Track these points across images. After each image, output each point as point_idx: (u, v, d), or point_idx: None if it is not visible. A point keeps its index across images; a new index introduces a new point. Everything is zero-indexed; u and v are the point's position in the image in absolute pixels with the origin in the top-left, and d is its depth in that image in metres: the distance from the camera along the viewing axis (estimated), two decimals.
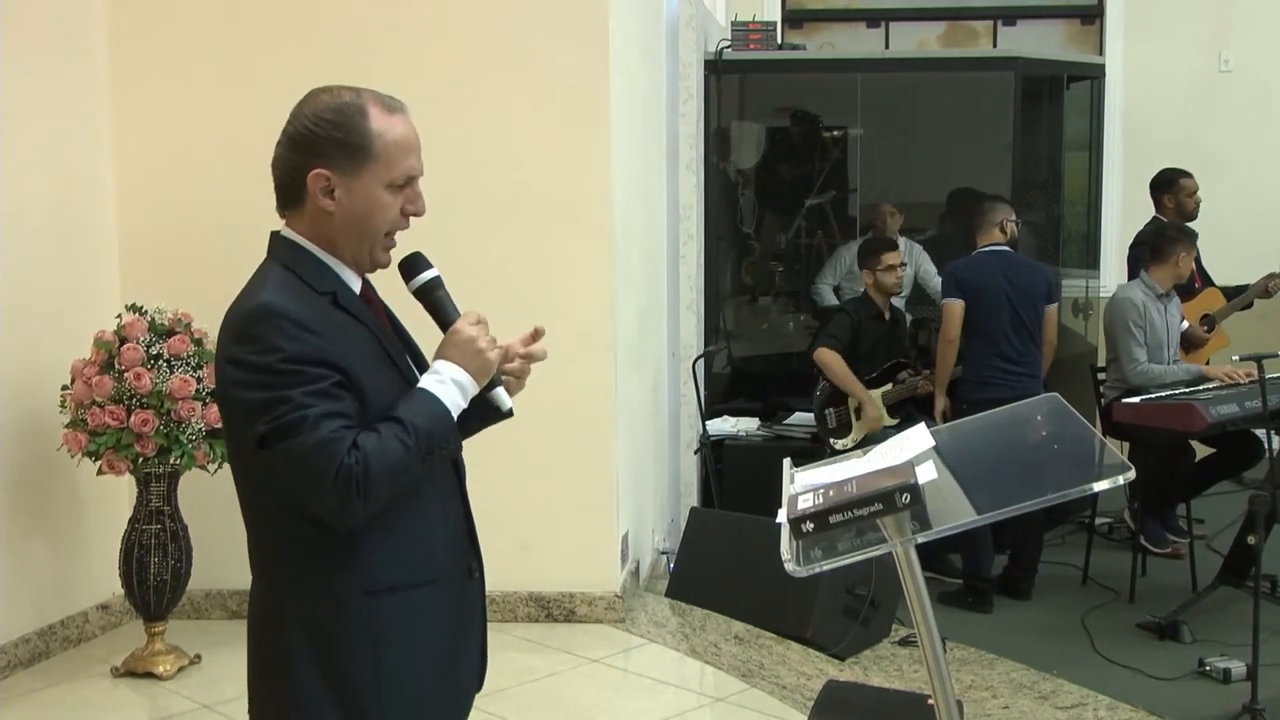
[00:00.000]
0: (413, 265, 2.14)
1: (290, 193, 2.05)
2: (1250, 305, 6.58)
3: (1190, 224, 6.37)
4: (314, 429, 1.89)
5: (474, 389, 2.06)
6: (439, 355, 2.08)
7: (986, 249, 5.83)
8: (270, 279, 2.02)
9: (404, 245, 2.14)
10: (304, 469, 1.91)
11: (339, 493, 1.90)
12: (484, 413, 2.14)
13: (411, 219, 2.09)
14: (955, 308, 5.77)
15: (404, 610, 2.03)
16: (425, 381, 2.04)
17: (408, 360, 2.14)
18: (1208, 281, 6.64)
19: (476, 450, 2.23)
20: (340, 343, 1.98)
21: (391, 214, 2.05)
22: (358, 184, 2.01)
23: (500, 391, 2.13)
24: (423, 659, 2.06)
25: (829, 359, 5.96)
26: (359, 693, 2.02)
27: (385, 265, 2.11)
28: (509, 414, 2.16)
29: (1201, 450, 6.11)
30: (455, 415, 2.03)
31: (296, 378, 1.91)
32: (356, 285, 2.10)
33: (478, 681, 2.25)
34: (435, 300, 2.14)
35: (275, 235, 2.10)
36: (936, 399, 5.91)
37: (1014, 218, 5.93)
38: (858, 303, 6.20)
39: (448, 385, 2.03)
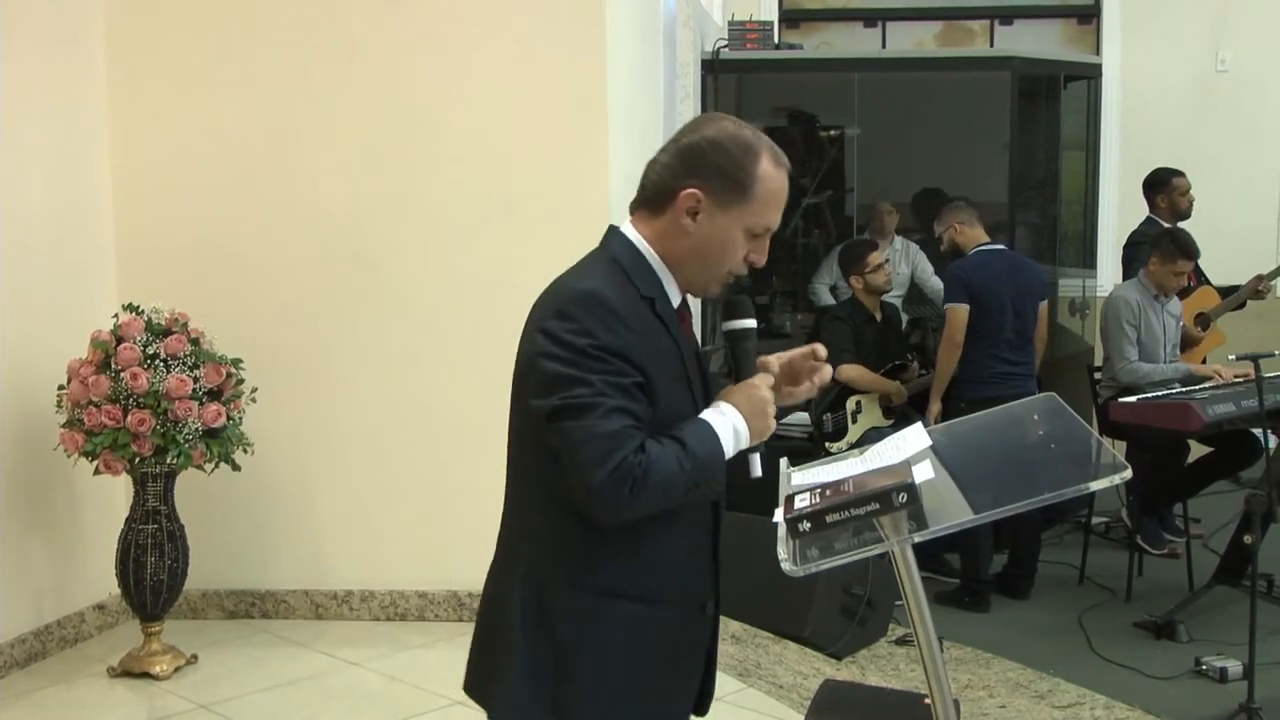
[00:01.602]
0: (736, 307, 2.19)
1: (656, 199, 2.09)
2: (1242, 305, 6.59)
3: (1185, 223, 6.37)
4: (605, 418, 1.92)
5: (745, 443, 2.08)
6: (726, 399, 2.09)
7: (985, 248, 5.79)
8: (601, 268, 2.07)
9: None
10: (582, 451, 1.91)
11: (612, 484, 1.91)
12: (734, 468, 2.13)
13: (742, 271, 2.13)
14: (961, 312, 5.66)
15: (631, 621, 2.06)
16: (709, 415, 2.05)
17: (702, 384, 2.16)
18: (1202, 280, 6.64)
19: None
20: (648, 347, 2.01)
21: (738, 255, 2.09)
22: (724, 216, 2.05)
23: (756, 458, 2.13)
24: (632, 672, 2.08)
25: (854, 374, 5.87)
26: (563, 687, 2.04)
27: (715, 297, 2.18)
28: (755, 479, 2.15)
29: (1199, 450, 6.11)
30: (725, 458, 2.05)
31: (602, 365, 1.94)
32: (676, 300, 2.13)
33: (697, 710, 2.26)
34: (743, 349, 2.18)
35: (614, 230, 2.14)
36: (931, 403, 5.79)
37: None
38: (849, 308, 6.10)
39: (728, 429, 2.05)
